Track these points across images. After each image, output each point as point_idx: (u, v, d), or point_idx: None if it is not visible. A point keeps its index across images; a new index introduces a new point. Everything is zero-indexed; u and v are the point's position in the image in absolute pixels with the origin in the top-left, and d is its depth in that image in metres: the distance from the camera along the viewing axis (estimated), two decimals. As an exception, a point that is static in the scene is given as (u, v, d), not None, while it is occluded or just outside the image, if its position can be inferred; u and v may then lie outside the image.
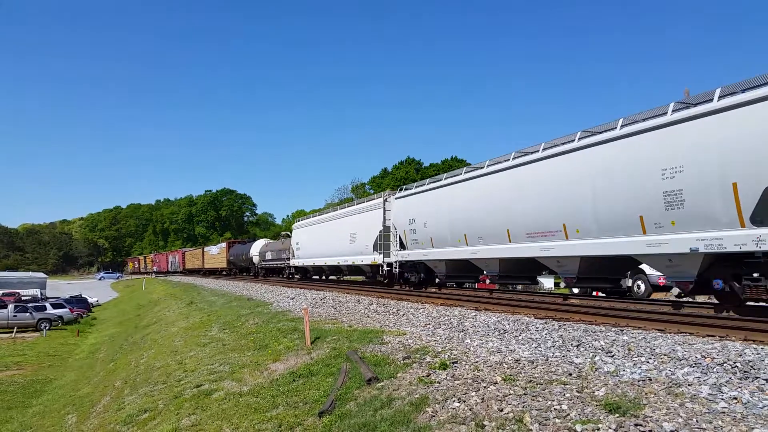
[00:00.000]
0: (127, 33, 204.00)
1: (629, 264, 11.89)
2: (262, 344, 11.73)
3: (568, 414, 4.66)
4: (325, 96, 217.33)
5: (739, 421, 4.10)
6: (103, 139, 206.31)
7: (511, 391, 5.47)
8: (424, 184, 18.27)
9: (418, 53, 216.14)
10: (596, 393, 5.11)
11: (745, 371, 5.36)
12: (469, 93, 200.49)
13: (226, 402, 8.34)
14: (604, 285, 13.56)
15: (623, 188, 10.01)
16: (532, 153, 12.88)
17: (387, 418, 5.64)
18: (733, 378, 5.21)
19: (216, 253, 55.37)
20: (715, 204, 8.40)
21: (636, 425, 4.20)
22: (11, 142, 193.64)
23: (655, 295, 17.39)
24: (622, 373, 5.75)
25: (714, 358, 5.90)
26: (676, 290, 9.14)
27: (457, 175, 16.29)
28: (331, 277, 31.67)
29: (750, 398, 4.57)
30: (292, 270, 33.21)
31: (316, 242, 28.50)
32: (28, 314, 32.49)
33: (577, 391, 5.22)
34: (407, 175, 63.75)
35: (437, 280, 18.16)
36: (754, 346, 6.34)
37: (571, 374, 5.93)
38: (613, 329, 8.29)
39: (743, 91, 8.40)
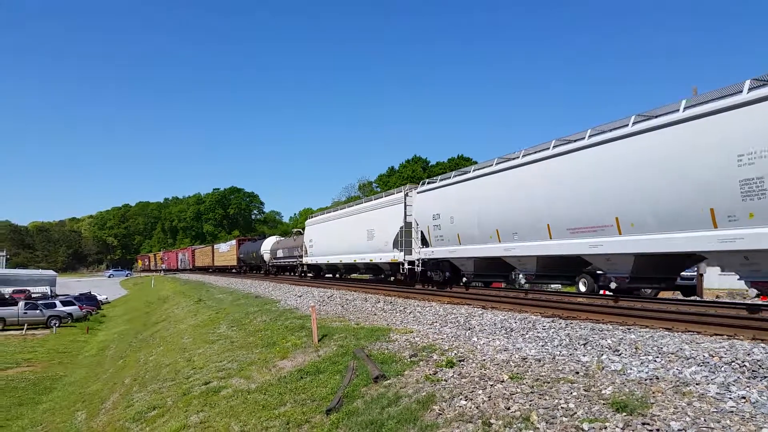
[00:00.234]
0: (136, 31, 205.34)
1: (688, 262, 10.95)
2: (269, 342, 11.81)
3: (575, 412, 4.67)
4: (332, 95, 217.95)
5: (747, 421, 4.08)
6: (112, 137, 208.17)
7: (518, 390, 5.49)
8: (450, 177, 17.03)
9: (426, 52, 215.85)
10: (603, 392, 5.11)
11: (753, 371, 5.33)
12: (475, 92, 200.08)
13: (234, 399, 8.42)
14: (657, 286, 12.26)
15: (690, 177, 8.90)
16: (576, 140, 11.69)
17: (394, 416, 5.68)
18: (741, 377, 5.19)
19: (226, 251, 54.41)
20: None
21: (643, 424, 4.20)
22: (21, 140, 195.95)
23: (707, 296, 16.66)
24: (629, 371, 5.74)
25: (722, 357, 5.87)
26: (753, 291, 8.51)
27: (487, 166, 14.96)
28: (352, 275, 29.35)
29: (759, 398, 4.54)
30: (305, 268, 31.96)
31: (330, 239, 27.25)
32: (38, 311, 32.94)
33: (584, 390, 5.22)
34: (414, 173, 63.80)
35: (464, 279, 17.18)
36: (762, 345, 6.30)
37: (578, 373, 5.93)
38: (620, 328, 8.28)
39: None
